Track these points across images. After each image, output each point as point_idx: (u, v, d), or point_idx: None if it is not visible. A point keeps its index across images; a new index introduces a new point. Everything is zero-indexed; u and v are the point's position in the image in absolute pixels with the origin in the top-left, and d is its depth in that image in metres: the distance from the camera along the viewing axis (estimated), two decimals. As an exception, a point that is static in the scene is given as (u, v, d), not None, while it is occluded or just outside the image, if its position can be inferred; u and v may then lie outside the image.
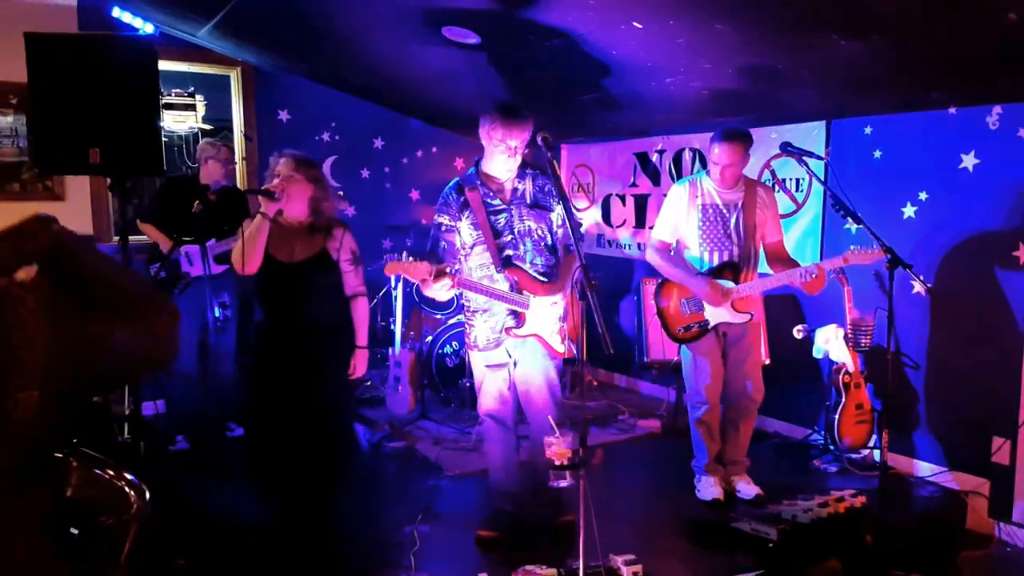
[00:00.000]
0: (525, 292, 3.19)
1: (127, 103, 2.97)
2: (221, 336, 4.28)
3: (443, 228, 3.24)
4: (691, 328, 3.69)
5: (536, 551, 3.20)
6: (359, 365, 3.36)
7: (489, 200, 3.22)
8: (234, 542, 3.31)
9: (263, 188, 3.13)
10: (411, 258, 2.94)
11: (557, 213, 3.28)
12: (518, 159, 3.19)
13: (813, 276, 3.46)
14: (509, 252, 3.20)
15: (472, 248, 3.24)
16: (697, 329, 3.68)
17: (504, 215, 3.21)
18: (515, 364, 3.30)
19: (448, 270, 2.99)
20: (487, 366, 3.33)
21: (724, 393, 3.80)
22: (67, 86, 2.91)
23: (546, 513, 3.42)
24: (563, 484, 2.39)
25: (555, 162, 2.90)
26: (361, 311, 3.36)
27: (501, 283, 3.19)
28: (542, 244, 3.26)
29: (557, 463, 2.32)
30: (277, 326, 3.24)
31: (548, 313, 3.24)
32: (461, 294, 3.33)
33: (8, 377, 1.05)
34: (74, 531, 1.37)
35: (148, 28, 4.79)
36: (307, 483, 3.24)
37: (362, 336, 3.36)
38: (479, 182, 3.24)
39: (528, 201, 3.26)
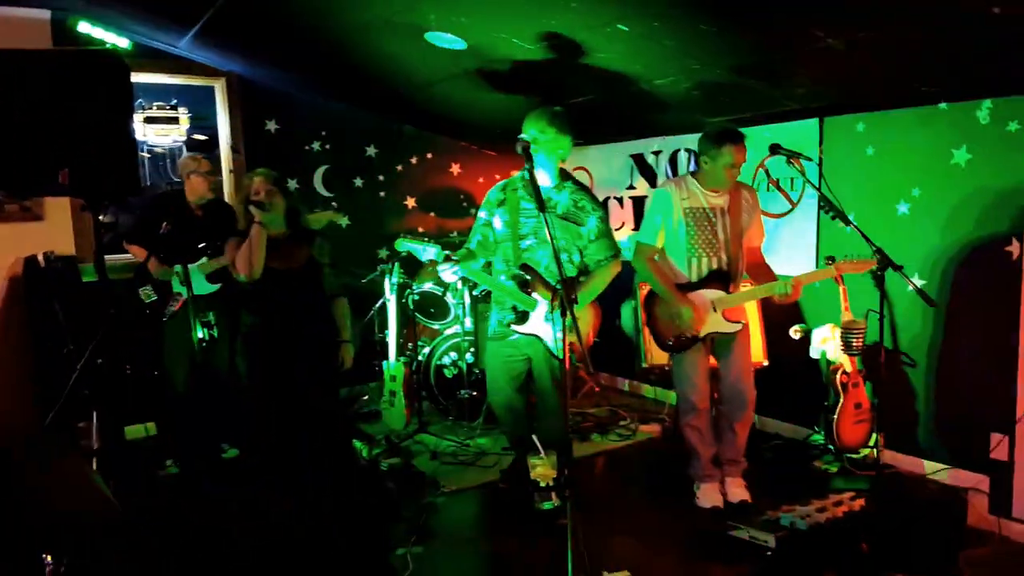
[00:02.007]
0: (535, 294, 3.40)
1: (99, 121, 2.89)
2: (208, 356, 4.22)
3: (481, 222, 3.58)
4: (682, 338, 3.64)
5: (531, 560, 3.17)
6: (347, 357, 3.80)
7: (525, 203, 3.44)
8: (220, 568, 3.29)
9: (253, 200, 3.43)
10: (426, 239, 3.36)
11: (588, 228, 3.45)
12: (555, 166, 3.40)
13: (789, 290, 3.45)
14: (529, 255, 3.44)
15: (500, 244, 3.53)
16: (688, 338, 3.63)
17: (534, 220, 3.41)
18: (530, 361, 3.56)
19: (454, 257, 3.28)
20: (499, 360, 3.62)
21: (720, 396, 3.76)
22: (34, 105, 2.82)
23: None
24: (547, 506, 2.34)
25: (533, 170, 2.88)
26: (342, 309, 3.82)
27: (512, 280, 3.44)
28: (562, 255, 3.35)
29: (542, 484, 2.27)
30: (277, 330, 3.58)
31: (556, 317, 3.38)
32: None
33: None
34: None
35: (123, 42, 4.74)
36: (306, 478, 3.62)
37: (346, 331, 3.80)
38: (522, 186, 3.46)
39: (559, 212, 3.43)
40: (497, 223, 3.51)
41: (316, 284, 3.70)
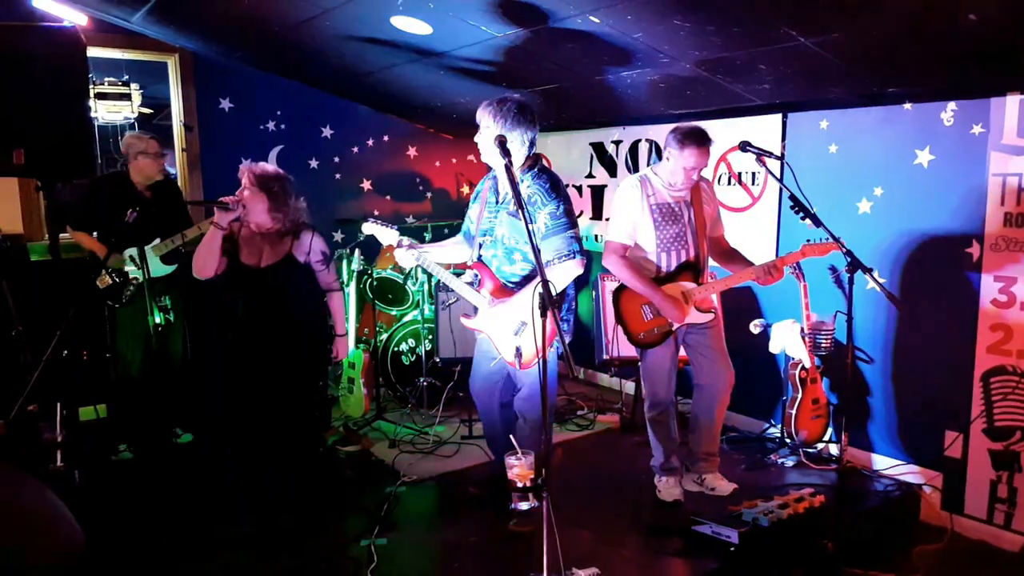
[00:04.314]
0: (483, 291, 3.31)
1: (53, 99, 2.79)
2: (164, 341, 4.08)
3: (467, 214, 3.54)
4: (653, 332, 3.63)
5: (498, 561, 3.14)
6: (340, 351, 3.77)
7: (490, 197, 3.36)
8: (172, 560, 3.19)
9: (217, 200, 3.28)
10: (389, 225, 3.33)
11: (537, 226, 3.09)
12: (493, 159, 3.17)
13: (775, 271, 3.44)
14: (483, 252, 3.36)
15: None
16: (659, 334, 3.62)
17: (492, 215, 3.32)
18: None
19: (408, 243, 3.30)
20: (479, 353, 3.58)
21: (699, 383, 3.73)
22: (-13, 82, 2.71)
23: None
24: (524, 507, 2.31)
25: (511, 167, 2.80)
26: (336, 304, 3.74)
27: (468, 275, 3.42)
28: (513, 253, 3.24)
29: (519, 485, 2.24)
30: (247, 324, 3.48)
31: (503, 318, 3.25)
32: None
33: None
34: None
35: (81, 17, 4.50)
36: (273, 478, 3.57)
37: (339, 326, 3.74)
38: (495, 178, 3.37)
39: (511, 210, 3.20)
40: (473, 214, 3.47)
41: (294, 282, 3.48)
